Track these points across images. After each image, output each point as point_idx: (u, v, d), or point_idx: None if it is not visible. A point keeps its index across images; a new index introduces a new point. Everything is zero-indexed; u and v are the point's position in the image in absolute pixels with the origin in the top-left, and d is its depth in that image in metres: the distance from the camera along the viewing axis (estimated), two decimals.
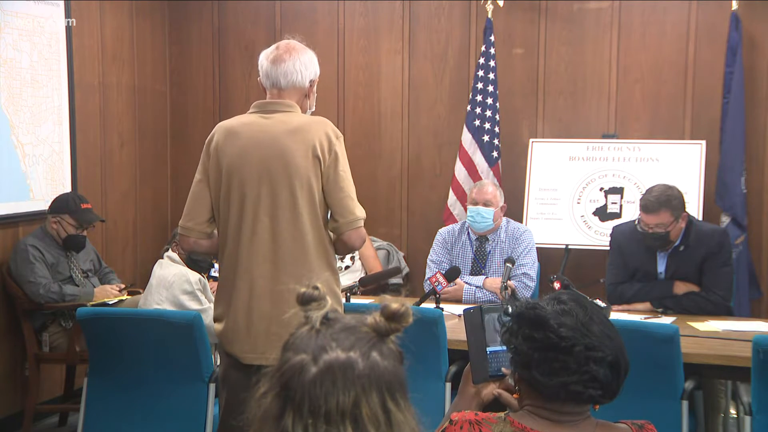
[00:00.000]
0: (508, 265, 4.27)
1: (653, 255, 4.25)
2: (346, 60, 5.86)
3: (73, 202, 4.80)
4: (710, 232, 4.24)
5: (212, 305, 4.14)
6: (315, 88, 3.06)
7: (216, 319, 3.05)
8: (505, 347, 1.87)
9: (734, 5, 5.02)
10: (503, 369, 1.95)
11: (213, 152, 2.98)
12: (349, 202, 2.93)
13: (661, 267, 4.25)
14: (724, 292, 4.18)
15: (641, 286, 4.26)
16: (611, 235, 4.46)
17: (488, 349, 1.98)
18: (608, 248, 4.54)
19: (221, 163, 2.96)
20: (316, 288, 1.36)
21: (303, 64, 2.99)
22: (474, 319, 1.99)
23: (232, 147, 2.95)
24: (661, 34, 5.34)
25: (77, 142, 5.35)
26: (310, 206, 2.91)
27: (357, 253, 5.25)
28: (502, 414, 1.82)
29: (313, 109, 3.11)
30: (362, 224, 2.96)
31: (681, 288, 4.20)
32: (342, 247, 3.01)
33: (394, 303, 1.33)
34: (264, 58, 3.03)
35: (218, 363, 4.08)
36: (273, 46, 3.05)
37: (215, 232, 3.06)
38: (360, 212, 2.95)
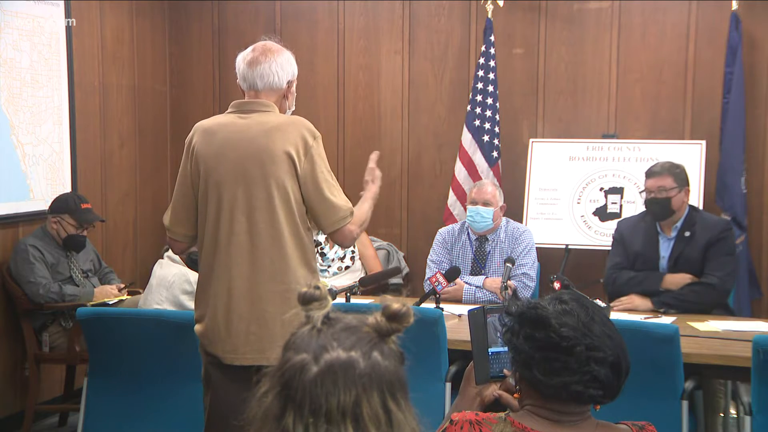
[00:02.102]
0: (508, 265, 4.27)
1: (655, 241, 4.28)
2: (346, 60, 5.86)
3: (73, 202, 4.80)
4: (715, 222, 4.32)
5: None
6: (293, 89, 3.07)
7: (196, 320, 3.06)
8: (506, 348, 1.88)
9: (734, 5, 5.02)
10: (504, 370, 1.95)
11: (192, 153, 3.00)
12: (327, 204, 2.92)
13: (665, 251, 4.27)
14: (722, 274, 4.15)
15: (633, 275, 4.27)
16: (615, 229, 4.51)
17: (490, 350, 1.98)
18: (608, 248, 4.57)
19: (199, 164, 2.97)
20: (318, 288, 1.36)
21: (279, 65, 2.99)
22: (477, 319, 1.99)
23: (208, 147, 2.96)
24: (661, 34, 5.34)
25: (77, 142, 5.35)
26: (286, 206, 2.91)
27: (357, 253, 5.25)
28: (502, 414, 1.82)
29: (293, 109, 3.11)
30: (345, 223, 2.95)
31: (670, 281, 4.19)
32: (336, 244, 3.04)
33: (396, 303, 1.33)
34: (241, 60, 3.03)
35: None
36: (249, 48, 3.05)
37: None
38: (341, 212, 2.94)
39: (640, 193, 4.35)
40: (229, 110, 3.04)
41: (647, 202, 4.28)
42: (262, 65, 2.98)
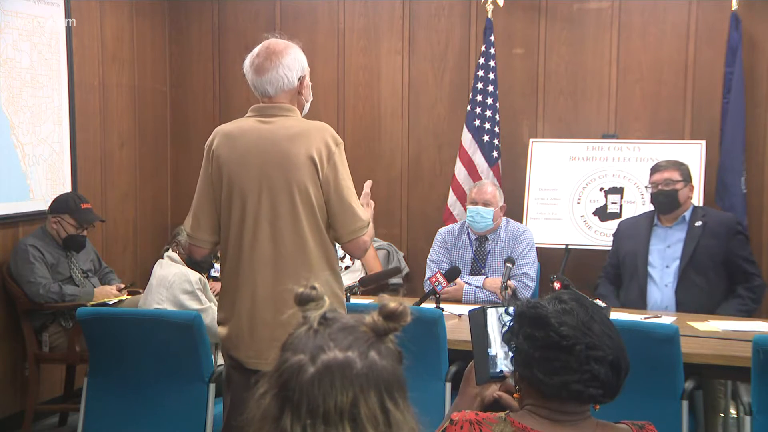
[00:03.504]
0: (508, 265, 4.27)
1: (647, 238, 4.35)
2: (346, 60, 5.86)
3: (73, 202, 4.80)
4: (725, 214, 4.53)
5: (212, 305, 4.15)
6: (307, 81, 3.00)
7: (219, 323, 3.05)
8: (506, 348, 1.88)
9: (734, 5, 5.02)
10: (504, 371, 1.95)
11: (213, 158, 2.97)
12: (348, 212, 2.89)
13: (669, 241, 4.34)
14: (758, 271, 4.34)
15: (601, 291, 4.44)
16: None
17: (489, 350, 1.98)
18: (608, 248, 4.61)
19: (222, 170, 2.94)
20: (314, 288, 1.36)
21: (286, 66, 2.93)
22: (478, 320, 1.99)
23: (231, 153, 2.93)
24: (661, 34, 5.34)
25: (77, 142, 5.35)
26: (310, 211, 2.89)
27: None
28: (502, 414, 1.82)
29: (311, 100, 3.06)
30: (362, 233, 2.92)
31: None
32: (348, 254, 3.03)
33: (392, 302, 1.33)
34: (248, 66, 2.97)
35: (218, 363, 4.08)
36: (254, 52, 2.97)
37: None
38: (360, 222, 2.91)
39: (646, 187, 4.41)
40: (249, 114, 2.99)
41: (654, 195, 4.35)
42: (269, 72, 2.92)
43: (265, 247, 2.90)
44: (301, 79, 2.97)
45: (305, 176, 2.86)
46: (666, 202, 4.31)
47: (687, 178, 4.35)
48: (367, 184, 3.21)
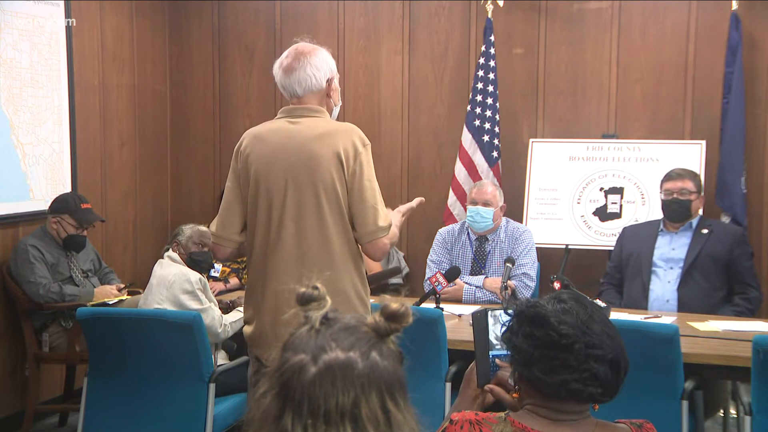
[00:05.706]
0: (508, 265, 4.28)
1: (653, 239, 4.40)
2: (346, 60, 5.86)
3: (73, 202, 4.80)
4: (731, 225, 4.61)
5: (212, 305, 4.16)
6: (335, 84, 3.02)
7: (246, 321, 3.07)
8: (506, 351, 1.88)
9: (734, 5, 5.02)
10: (498, 361, 1.95)
11: (242, 159, 2.98)
12: (369, 213, 2.88)
13: (674, 245, 4.38)
14: (757, 283, 4.38)
15: (612, 298, 4.43)
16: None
17: (491, 352, 1.98)
18: (608, 248, 4.62)
19: (249, 170, 2.95)
20: (316, 288, 1.36)
21: (315, 67, 2.95)
22: (480, 322, 1.99)
23: (259, 154, 2.94)
24: (661, 34, 5.34)
25: (77, 142, 5.35)
26: (337, 212, 2.89)
27: None
28: (502, 414, 1.82)
29: (341, 104, 3.09)
30: (382, 236, 2.91)
31: None
32: (367, 256, 2.99)
33: (394, 303, 1.33)
34: (277, 68, 3.00)
35: (218, 363, 4.08)
36: (284, 54, 3.02)
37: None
38: (382, 222, 2.90)
39: (659, 194, 4.46)
40: (278, 116, 3.01)
41: (667, 203, 4.39)
42: (297, 71, 2.94)
43: (290, 245, 2.90)
44: (329, 81, 2.98)
45: (332, 175, 2.87)
46: (679, 210, 4.36)
47: (699, 189, 4.42)
48: (417, 201, 3.26)
